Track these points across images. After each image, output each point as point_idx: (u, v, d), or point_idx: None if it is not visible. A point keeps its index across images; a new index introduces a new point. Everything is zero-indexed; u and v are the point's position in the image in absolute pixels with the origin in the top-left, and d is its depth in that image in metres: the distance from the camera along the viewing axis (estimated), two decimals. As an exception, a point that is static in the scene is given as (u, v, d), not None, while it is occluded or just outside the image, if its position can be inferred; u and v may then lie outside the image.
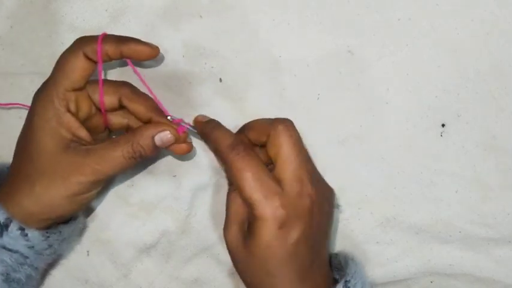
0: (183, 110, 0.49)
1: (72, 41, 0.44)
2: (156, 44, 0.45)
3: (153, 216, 0.51)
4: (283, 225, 0.41)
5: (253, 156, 0.42)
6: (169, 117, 0.45)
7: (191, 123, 0.47)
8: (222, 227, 0.45)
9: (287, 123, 0.43)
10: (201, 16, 0.49)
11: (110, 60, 0.44)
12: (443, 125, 0.49)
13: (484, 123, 0.48)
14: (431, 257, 0.50)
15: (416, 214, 0.49)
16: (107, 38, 0.44)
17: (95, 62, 0.44)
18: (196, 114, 0.47)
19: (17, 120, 0.51)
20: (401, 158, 0.49)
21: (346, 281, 0.43)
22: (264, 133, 0.44)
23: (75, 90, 0.44)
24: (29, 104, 0.44)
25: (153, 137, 0.43)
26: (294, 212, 0.41)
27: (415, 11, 0.48)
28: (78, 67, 0.43)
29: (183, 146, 0.46)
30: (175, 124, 0.45)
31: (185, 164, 0.50)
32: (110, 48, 0.43)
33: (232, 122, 0.47)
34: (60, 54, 0.44)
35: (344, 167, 0.49)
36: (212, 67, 0.49)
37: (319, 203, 0.43)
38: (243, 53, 0.49)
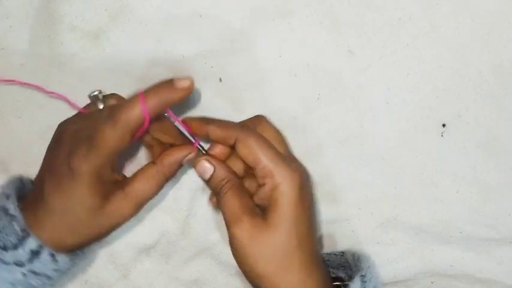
0: (183, 110, 0.49)
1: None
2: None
3: (153, 217, 0.51)
4: (301, 187, 0.42)
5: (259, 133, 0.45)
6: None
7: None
8: (222, 227, 0.44)
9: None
10: (200, 15, 0.49)
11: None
12: (443, 125, 0.48)
13: (485, 123, 0.48)
14: (432, 258, 0.50)
15: (416, 214, 0.49)
16: (147, 99, 0.41)
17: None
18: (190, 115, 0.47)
19: (16, 120, 0.51)
20: (401, 158, 0.49)
21: (362, 276, 0.43)
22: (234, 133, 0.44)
23: None
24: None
25: (180, 162, 0.45)
26: (303, 175, 0.43)
27: (415, 10, 0.47)
28: (123, 148, 0.42)
29: None
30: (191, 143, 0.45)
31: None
32: (154, 107, 0.41)
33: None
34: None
35: (344, 167, 0.49)
36: (212, 67, 0.49)
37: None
38: (243, 52, 0.49)
